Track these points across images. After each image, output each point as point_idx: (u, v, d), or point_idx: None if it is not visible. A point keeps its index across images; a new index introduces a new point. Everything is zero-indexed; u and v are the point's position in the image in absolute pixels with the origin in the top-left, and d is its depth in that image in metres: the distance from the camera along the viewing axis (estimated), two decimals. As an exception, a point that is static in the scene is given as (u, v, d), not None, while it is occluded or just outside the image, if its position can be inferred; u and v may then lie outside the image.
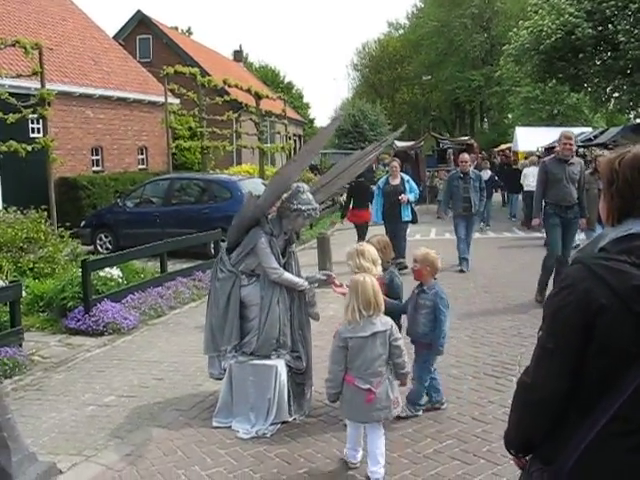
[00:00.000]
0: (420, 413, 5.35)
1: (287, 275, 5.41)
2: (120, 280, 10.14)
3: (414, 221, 12.46)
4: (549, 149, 32.90)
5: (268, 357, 5.34)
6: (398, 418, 5.23)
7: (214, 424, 5.31)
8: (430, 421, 5.26)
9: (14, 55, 16.42)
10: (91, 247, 15.53)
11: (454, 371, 6.45)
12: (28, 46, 12.59)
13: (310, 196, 5.46)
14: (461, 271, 11.54)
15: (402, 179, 12.14)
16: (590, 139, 28.50)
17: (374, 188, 12.51)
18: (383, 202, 12.04)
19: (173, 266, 12.77)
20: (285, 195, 5.42)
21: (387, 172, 24.68)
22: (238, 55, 53.15)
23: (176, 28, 48.75)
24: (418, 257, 5.29)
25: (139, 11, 34.98)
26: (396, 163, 12.52)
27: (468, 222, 12.09)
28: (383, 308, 4.41)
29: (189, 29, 60.36)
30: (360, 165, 6.32)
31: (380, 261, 5.18)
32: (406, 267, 10.63)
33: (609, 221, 2.02)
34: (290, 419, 5.31)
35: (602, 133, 27.31)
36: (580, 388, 1.93)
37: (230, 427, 5.26)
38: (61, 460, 4.74)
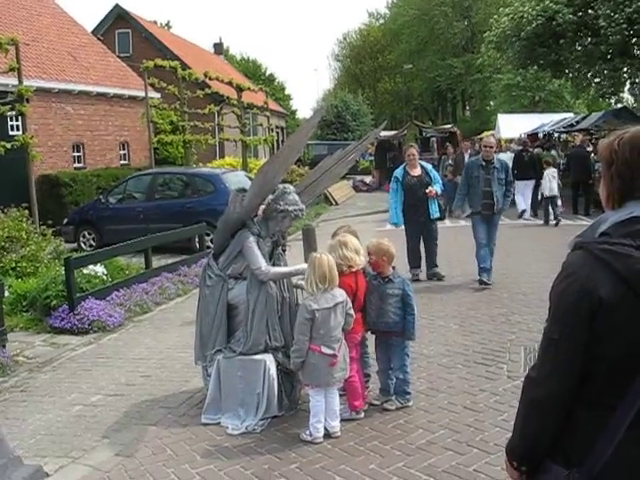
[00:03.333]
0: (410, 403, 5.30)
1: (275, 269, 5.33)
2: (105, 277, 10.02)
3: (442, 217, 10.42)
4: (531, 135, 33.14)
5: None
6: (388, 410, 5.21)
7: (203, 421, 5.24)
8: (421, 411, 5.21)
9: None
10: (75, 245, 15.35)
11: (444, 360, 6.41)
12: (4, 42, 12.36)
13: (296, 197, 5.38)
14: (481, 282, 9.36)
15: (424, 168, 10.16)
16: (572, 125, 28.58)
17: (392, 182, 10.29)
18: (404, 198, 9.92)
19: (158, 262, 12.64)
20: (271, 196, 5.33)
21: (380, 159, 24.45)
22: (218, 48, 52.75)
23: (155, 22, 48.28)
24: (371, 249, 5.28)
25: (117, 5, 34.59)
26: (414, 150, 10.24)
27: (489, 223, 9.58)
28: (337, 282, 4.80)
29: (168, 23, 59.93)
30: (343, 165, 6.21)
31: (362, 251, 5.16)
32: (443, 277, 10.03)
33: (609, 204, 1.94)
34: (280, 414, 5.24)
35: (584, 119, 27.38)
36: (590, 382, 1.84)
37: (219, 423, 5.18)
38: (48, 463, 4.65)
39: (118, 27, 34.21)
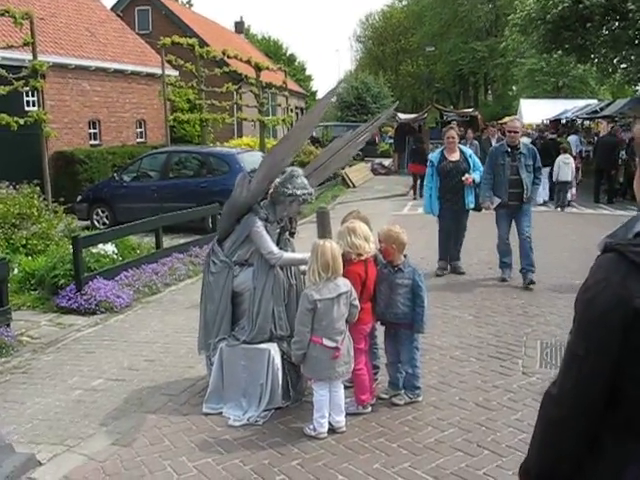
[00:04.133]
0: (420, 398, 5.09)
1: (287, 255, 5.12)
2: (115, 257, 9.87)
3: (478, 209, 9.31)
4: (554, 121, 32.58)
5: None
6: (396, 405, 5.01)
7: (204, 410, 5.05)
8: (431, 407, 5.00)
9: (6, 26, 15.98)
10: (88, 222, 15.25)
11: (457, 353, 6.18)
12: (18, 15, 12.18)
13: (305, 180, 5.14)
14: (503, 280, 8.80)
15: (463, 153, 9.36)
16: (596, 111, 28.04)
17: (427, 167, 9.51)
18: (439, 184, 9.20)
19: (170, 241, 12.52)
20: (278, 179, 5.07)
21: (414, 143, 24.05)
22: (239, 27, 52.39)
23: (176, 0, 47.97)
24: (381, 236, 5.07)
25: (137, -19, 34.30)
26: (453, 132, 9.45)
27: (518, 214, 8.72)
28: (341, 271, 4.60)
29: (189, 1, 59.49)
30: (353, 146, 5.95)
31: (372, 238, 4.92)
32: (463, 272, 9.37)
33: None
34: (284, 405, 5.05)
35: (608, 105, 26.83)
36: (618, 405, 1.59)
37: (221, 413, 5.00)
38: (41, 450, 4.50)
39: (138, 4, 33.95)
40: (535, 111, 34.66)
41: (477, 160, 9.49)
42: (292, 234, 5.54)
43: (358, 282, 4.78)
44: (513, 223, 8.83)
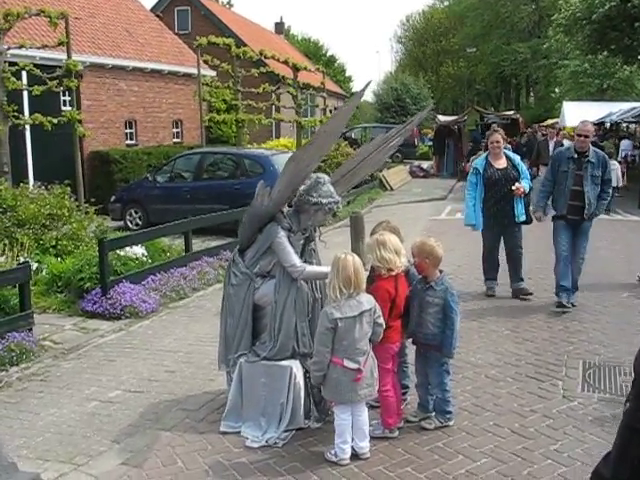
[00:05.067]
0: (451, 423, 4.75)
1: (311, 268, 4.80)
2: (145, 259, 9.70)
3: (529, 221, 8.34)
4: (599, 125, 31.74)
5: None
6: (426, 429, 4.68)
7: (222, 429, 4.79)
8: (462, 433, 4.65)
9: (43, 26, 15.96)
10: (121, 222, 15.18)
11: (492, 371, 5.81)
12: (53, 15, 12.11)
13: (331, 188, 4.79)
14: (559, 305, 7.61)
15: (510, 160, 8.38)
16: (643, 114, 27.21)
17: (470, 174, 8.57)
18: (484, 195, 8.25)
19: (202, 244, 12.36)
20: (303, 187, 4.75)
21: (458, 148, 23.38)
22: (279, 27, 52.34)
23: (217, 0, 48.06)
24: (414, 249, 4.70)
25: (177, -19, 34.37)
26: (499, 136, 8.37)
27: (577, 231, 7.70)
28: (364, 287, 4.29)
29: (229, 1, 59.61)
30: (385, 151, 5.57)
31: (404, 251, 4.58)
32: (530, 293, 8.32)
33: None
34: (306, 426, 4.75)
35: (656, 108, 25.98)
36: None
37: (239, 433, 4.73)
38: (48, 469, 4.28)
39: (177, 4, 34.02)
40: (579, 114, 33.75)
41: (525, 167, 8.58)
42: (314, 237, 5.18)
43: (387, 299, 4.46)
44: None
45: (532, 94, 69.38)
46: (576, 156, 7.62)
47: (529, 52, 56.43)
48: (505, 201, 8.15)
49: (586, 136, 7.59)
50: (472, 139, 28.96)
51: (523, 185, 8.07)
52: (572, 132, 23.22)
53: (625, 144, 20.67)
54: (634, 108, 29.87)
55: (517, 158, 8.60)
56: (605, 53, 25.71)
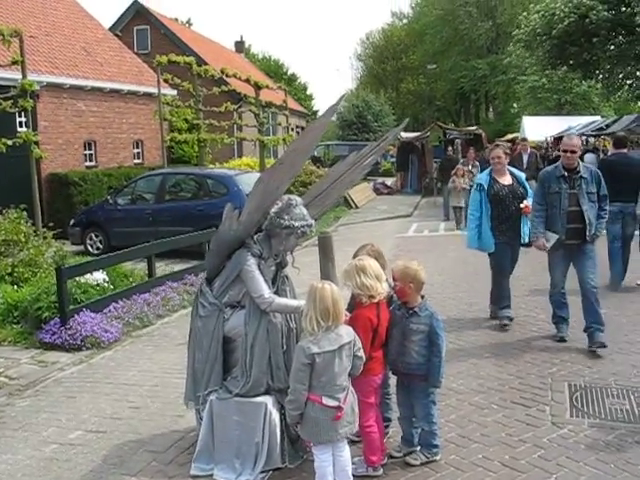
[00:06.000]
0: (438, 457, 4.46)
1: (280, 300, 4.44)
2: (106, 285, 9.29)
3: (529, 243, 7.63)
4: (558, 139, 32.04)
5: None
6: (411, 465, 4.38)
7: (192, 472, 4.43)
8: (450, 468, 4.36)
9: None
10: (81, 247, 14.70)
11: (476, 398, 5.55)
12: (6, 33, 11.68)
13: (304, 210, 4.49)
14: (561, 340, 7.03)
15: (514, 176, 7.92)
16: (601, 128, 27.51)
17: (473, 191, 8.06)
18: (491, 212, 7.67)
19: (166, 267, 11.96)
20: (274, 210, 4.43)
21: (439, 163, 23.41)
22: (239, 46, 52.14)
23: (176, 19, 47.70)
24: (396, 273, 4.37)
25: (136, 1, 34.00)
26: (500, 152, 7.89)
27: (577, 256, 6.93)
28: (343, 319, 3.98)
29: (189, 20, 59.40)
30: (359, 170, 5.29)
31: (385, 277, 4.29)
32: (511, 320, 7.71)
33: None
34: (283, 465, 4.42)
35: (615, 122, 26.29)
36: None
37: (211, 476, 4.38)
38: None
39: (136, 23, 33.63)
40: (538, 128, 34.14)
41: (527, 185, 8.00)
42: (286, 263, 4.86)
43: (369, 328, 4.16)
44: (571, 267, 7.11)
45: (491, 109, 70.24)
46: (566, 174, 6.88)
47: (487, 68, 57.16)
48: (512, 220, 7.63)
49: (572, 151, 6.85)
50: (437, 156, 28.96)
51: (529, 203, 7.51)
52: (533, 145, 23.07)
53: (589, 158, 20.72)
54: (593, 122, 30.29)
55: (521, 175, 8.08)
56: (564, 68, 25.99)
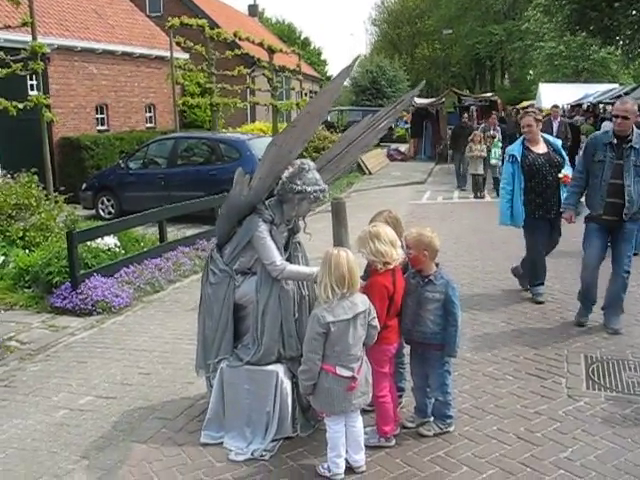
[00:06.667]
0: (452, 429, 4.38)
1: (291, 267, 4.33)
2: (117, 250, 9.23)
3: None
4: (575, 106, 31.54)
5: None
6: (424, 436, 4.31)
7: (202, 440, 4.38)
8: (465, 440, 4.28)
9: (7, 7, 15.24)
10: (93, 211, 14.66)
11: (490, 369, 5.46)
12: (15, -7, 11.49)
13: (317, 175, 4.35)
14: (580, 325, 6.48)
15: (550, 144, 7.28)
16: (620, 96, 27.02)
17: (501, 162, 7.39)
18: (524, 185, 7.08)
19: (177, 232, 11.92)
20: (286, 174, 4.30)
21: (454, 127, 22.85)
22: (253, 10, 51.52)
23: (189, -19, 47.04)
24: (410, 241, 4.22)
25: (148, -38, 33.44)
26: (531, 119, 7.22)
27: (616, 235, 6.27)
28: (358, 286, 3.89)
29: (202, -18, 58.51)
30: (372, 135, 5.12)
31: (399, 242, 4.18)
32: (542, 302, 7.30)
33: None
34: (294, 434, 4.37)
35: (634, 90, 25.80)
36: None
37: (222, 444, 4.33)
38: (8, 493, 3.86)
39: (149, -15, 33.11)
40: (555, 95, 33.61)
41: (563, 152, 7.42)
42: (299, 228, 4.75)
43: (385, 296, 4.05)
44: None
45: (507, 76, 69.35)
46: (616, 141, 6.12)
47: (504, 34, 56.28)
48: (551, 191, 7.03)
49: (624, 117, 6.06)
50: (452, 122, 28.61)
51: (567, 172, 7.01)
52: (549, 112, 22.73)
53: (607, 126, 20.35)
54: (612, 89, 29.78)
55: (558, 142, 7.46)
56: (584, 34, 25.45)
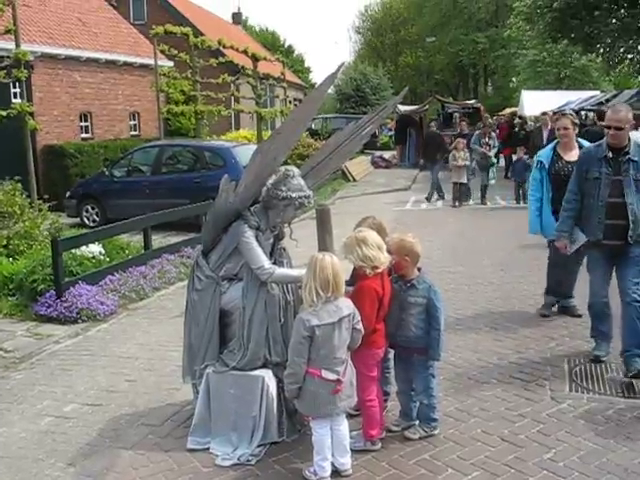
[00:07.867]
0: (436, 432, 4.42)
1: (280, 271, 4.37)
2: (102, 257, 9.21)
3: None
4: (557, 113, 31.80)
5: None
6: (410, 440, 4.35)
7: (189, 445, 4.39)
8: (450, 443, 4.32)
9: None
10: (78, 219, 14.61)
11: (474, 372, 5.51)
12: (-1, 1, 11.47)
13: (302, 181, 4.40)
14: (596, 360, 5.63)
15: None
16: (601, 103, 27.26)
17: (533, 169, 6.82)
18: (552, 195, 6.56)
19: (162, 240, 11.90)
20: (271, 181, 4.34)
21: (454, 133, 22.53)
22: (237, 18, 51.61)
23: (172, -11, 47.04)
24: (392, 247, 4.26)
25: (132, -30, 33.46)
26: (567, 122, 6.67)
27: (620, 261, 5.49)
28: (343, 290, 3.93)
29: (186, -9, 58.53)
30: (357, 140, 5.14)
31: (385, 246, 4.22)
32: (579, 316, 6.75)
33: None
34: (280, 439, 4.38)
35: (615, 96, 26.06)
36: None
37: (208, 449, 4.34)
38: (-6, 501, 3.85)
39: (132, -7, 33.12)
40: (537, 102, 33.89)
41: None
42: (284, 235, 4.78)
43: (376, 299, 4.08)
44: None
45: (490, 84, 69.80)
46: (611, 155, 5.42)
47: (487, 42, 56.75)
48: None
49: (617, 128, 5.35)
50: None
51: None
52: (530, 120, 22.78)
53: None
54: (593, 97, 30.05)
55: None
56: (565, 41, 25.71)
